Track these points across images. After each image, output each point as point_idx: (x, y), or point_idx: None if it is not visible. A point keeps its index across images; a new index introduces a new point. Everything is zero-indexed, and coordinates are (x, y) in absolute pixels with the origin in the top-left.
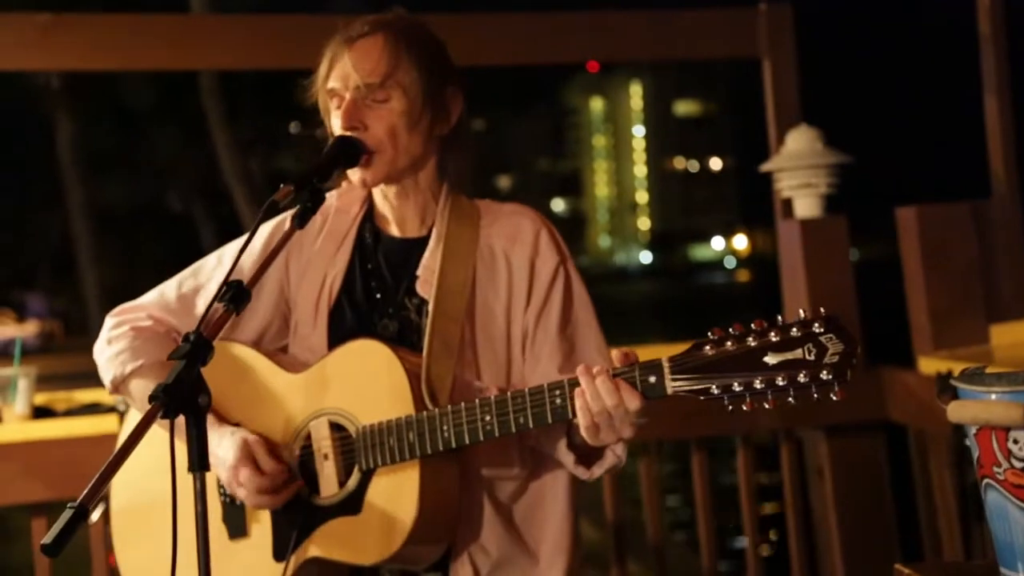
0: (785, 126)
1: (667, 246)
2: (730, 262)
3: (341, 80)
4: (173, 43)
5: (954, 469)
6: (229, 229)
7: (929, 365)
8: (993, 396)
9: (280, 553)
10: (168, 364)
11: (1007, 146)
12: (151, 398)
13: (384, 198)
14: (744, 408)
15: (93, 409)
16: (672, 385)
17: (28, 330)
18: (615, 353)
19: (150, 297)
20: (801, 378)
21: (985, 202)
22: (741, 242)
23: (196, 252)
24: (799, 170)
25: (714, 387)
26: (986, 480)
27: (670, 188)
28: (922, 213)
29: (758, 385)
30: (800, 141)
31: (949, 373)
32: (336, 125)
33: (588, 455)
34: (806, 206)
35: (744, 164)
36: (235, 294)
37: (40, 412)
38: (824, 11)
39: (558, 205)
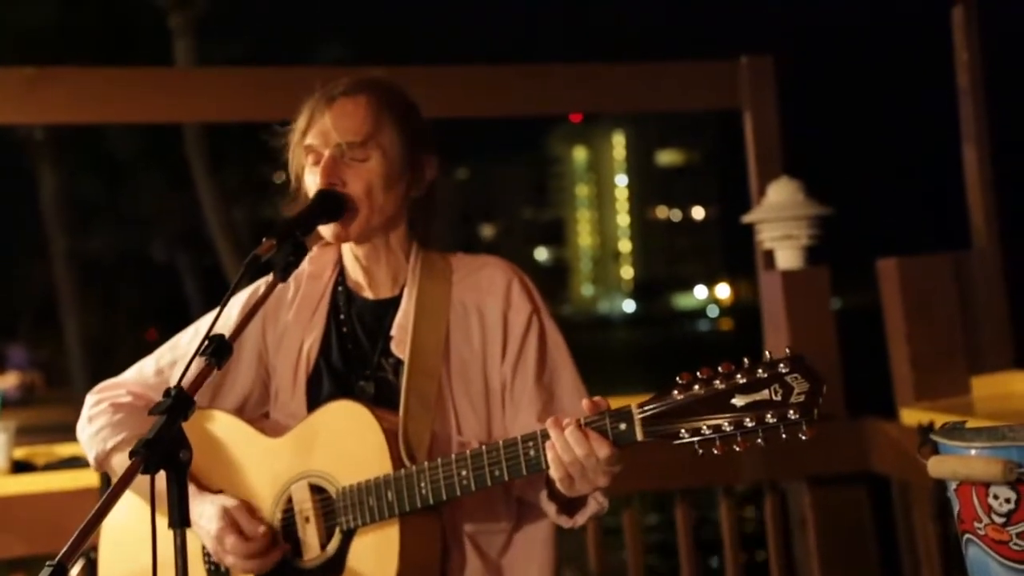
0: (766, 177)
1: (650, 295)
2: (713, 311)
3: (320, 137)
4: (158, 96)
5: (937, 521)
6: (212, 279)
7: (911, 416)
8: (973, 452)
9: None
10: None
11: (987, 197)
12: (132, 453)
13: (355, 260)
14: (715, 451)
15: (73, 463)
16: (642, 431)
17: (8, 382)
18: (585, 402)
19: (129, 374)
20: (769, 418)
21: (966, 253)
22: (724, 291)
23: (179, 302)
24: (780, 221)
25: (684, 431)
26: (967, 535)
27: (653, 237)
28: (903, 265)
29: (727, 428)
30: (781, 192)
31: (931, 425)
32: (311, 182)
33: (570, 504)
34: (788, 257)
35: (726, 213)
36: (217, 347)
37: (20, 466)
38: (805, 63)
39: (541, 254)
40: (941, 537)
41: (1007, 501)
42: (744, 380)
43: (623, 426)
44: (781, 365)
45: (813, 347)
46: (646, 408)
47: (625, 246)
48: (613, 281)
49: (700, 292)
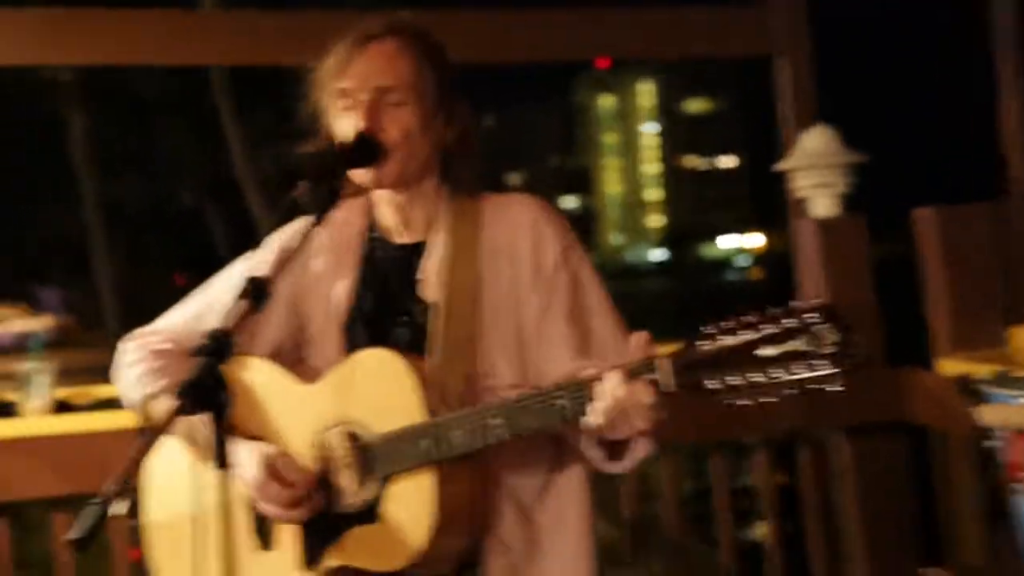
0: (801, 125)
1: (679, 244)
2: (742, 260)
3: (358, 80)
4: (183, 39)
5: (974, 471)
6: (241, 224)
7: (948, 366)
8: None
9: (307, 563)
10: None
11: None
12: (174, 395)
13: (389, 205)
14: (747, 403)
15: (113, 404)
16: (669, 383)
17: (44, 324)
18: (635, 337)
19: (162, 322)
20: (799, 370)
21: (1004, 202)
22: (753, 240)
23: (209, 247)
24: (815, 169)
25: (712, 383)
26: (1013, 485)
27: (681, 185)
28: (940, 214)
29: (756, 379)
30: (816, 140)
31: (968, 376)
32: (343, 126)
33: (618, 449)
34: (823, 205)
35: (755, 162)
36: (256, 289)
37: (60, 407)
38: (840, 6)
39: (568, 202)
40: (977, 487)
41: None
42: (772, 330)
43: (655, 375)
44: (810, 315)
45: (850, 296)
46: (675, 360)
47: (652, 195)
48: (641, 230)
49: (728, 241)
